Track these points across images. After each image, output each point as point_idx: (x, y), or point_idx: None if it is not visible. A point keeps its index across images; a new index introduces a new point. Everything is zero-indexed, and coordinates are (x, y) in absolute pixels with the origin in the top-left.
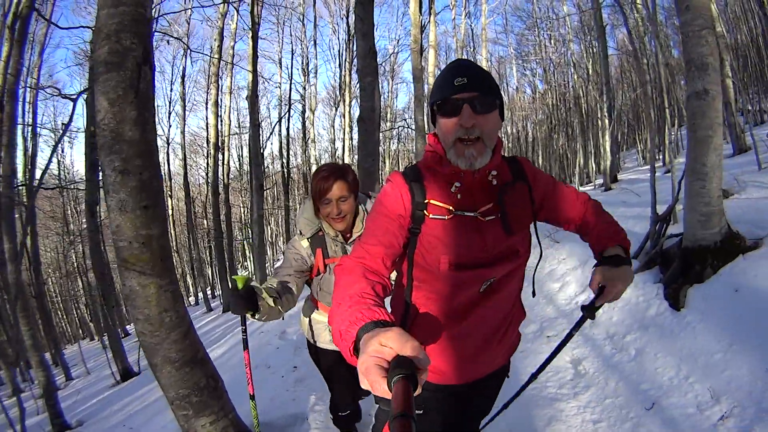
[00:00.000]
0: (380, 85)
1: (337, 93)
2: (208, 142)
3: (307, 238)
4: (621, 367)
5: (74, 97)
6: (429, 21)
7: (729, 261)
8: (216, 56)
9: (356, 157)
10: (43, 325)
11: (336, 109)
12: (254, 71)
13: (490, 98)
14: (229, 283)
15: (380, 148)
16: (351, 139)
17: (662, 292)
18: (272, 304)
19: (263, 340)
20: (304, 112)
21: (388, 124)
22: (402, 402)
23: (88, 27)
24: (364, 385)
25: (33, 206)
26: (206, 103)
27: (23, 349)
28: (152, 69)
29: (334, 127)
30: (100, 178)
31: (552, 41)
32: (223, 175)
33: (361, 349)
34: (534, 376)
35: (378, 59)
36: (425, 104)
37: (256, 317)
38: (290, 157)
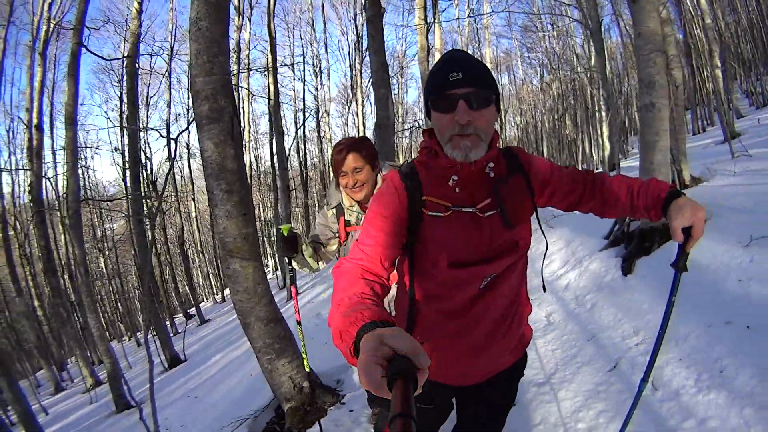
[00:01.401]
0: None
1: (349, 92)
2: None
3: (333, 207)
4: (579, 317)
5: (174, 137)
6: (434, 22)
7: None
8: (235, 66)
9: None
10: (81, 326)
11: (349, 108)
12: (275, 81)
13: (486, 93)
14: (276, 232)
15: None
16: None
17: (620, 264)
18: (308, 251)
19: (303, 321)
20: (317, 111)
21: (399, 119)
22: (401, 402)
23: (126, 57)
24: (364, 384)
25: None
26: None
27: (68, 349)
28: (239, 119)
29: (347, 124)
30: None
31: (555, 32)
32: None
33: (361, 349)
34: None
35: (386, 55)
36: None
37: (294, 264)
38: (306, 156)
